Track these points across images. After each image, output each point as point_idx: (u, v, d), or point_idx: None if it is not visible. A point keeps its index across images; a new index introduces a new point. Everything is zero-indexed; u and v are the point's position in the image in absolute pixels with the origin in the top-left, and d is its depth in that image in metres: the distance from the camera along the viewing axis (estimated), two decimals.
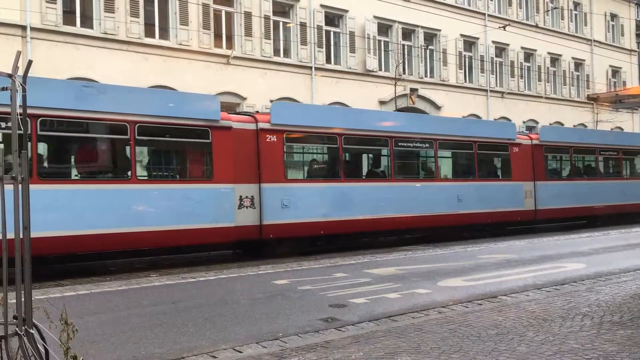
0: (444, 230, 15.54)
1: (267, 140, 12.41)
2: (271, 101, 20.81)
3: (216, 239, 11.63)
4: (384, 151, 14.95)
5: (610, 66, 35.89)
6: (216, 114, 11.69)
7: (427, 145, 15.50)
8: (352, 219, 13.40)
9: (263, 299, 7.62)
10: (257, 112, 14.59)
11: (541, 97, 31.71)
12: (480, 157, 16.66)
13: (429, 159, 16.13)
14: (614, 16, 36.50)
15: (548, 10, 32.10)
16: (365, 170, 15.46)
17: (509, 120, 29.81)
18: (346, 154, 14.28)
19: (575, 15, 34.27)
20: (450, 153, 16.53)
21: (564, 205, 18.39)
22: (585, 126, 33.75)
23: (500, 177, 17.49)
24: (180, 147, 11.96)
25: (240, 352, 5.14)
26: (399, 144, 14.80)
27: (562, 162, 20.10)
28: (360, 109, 19.25)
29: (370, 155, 15.54)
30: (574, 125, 33.54)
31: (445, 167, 16.40)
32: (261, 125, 12.41)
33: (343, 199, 13.41)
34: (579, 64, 34.19)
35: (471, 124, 19.22)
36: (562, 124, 32.93)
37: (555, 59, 32.66)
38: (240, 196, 11.86)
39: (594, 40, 34.79)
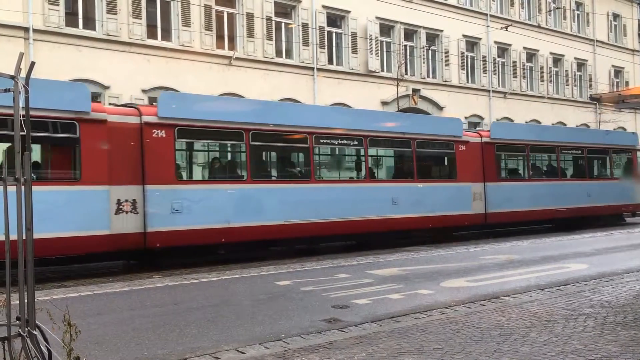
0: (378, 237, 14.36)
1: (154, 135, 10.89)
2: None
3: (86, 249, 10.09)
4: (303, 149, 13.29)
5: (613, 66, 35.82)
6: (85, 104, 10.23)
7: (356, 142, 14.00)
8: (260, 224, 11.96)
9: (265, 299, 7.62)
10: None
11: (544, 97, 31.67)
12: (419, 156, 15.20)
13: (358, 157, 14.58)
14: (616, 16, 36.44)
15: (550, 11, 32.06)
16: (280, 170, 14.06)
17: (512, 121, 29.84)
18: (254, 152, 12.56)
19: (578, 15, 34.22)
20: (383, 151, 15.23)
21: (519, 208, 17.01)
22: (588, 126, 33.68)
23: (443, 178, 16.06)
24: (41, 143, 10.46)
25: (243, 353, 5.14)
26: (321, 140, 13.38)
27: (518, 161, 18.75)
28: (273, 101, 17.58)
29: (286, 154, 14.01)
30: (577, 126, 33.54)
31: (378, 167, 15.26)
32: (146, 118, 10.90)
33: (249, 203, 12.00)
34: (581, 64, 34.14)
35: (409, 120, 16.97)
36: (564, 124, 32.88)
37: (557, 59, 32.62)
38: (119, 199, 10.40)
39: (597, 40, 34.74)
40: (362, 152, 14.17)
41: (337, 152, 14.65)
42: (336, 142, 14.01)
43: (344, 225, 13.32)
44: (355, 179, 14.63)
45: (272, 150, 13.80)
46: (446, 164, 16.36)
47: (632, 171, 21.15)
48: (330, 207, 13.10)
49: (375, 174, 14.94)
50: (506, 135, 17.58)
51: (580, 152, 19.57)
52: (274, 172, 13.91)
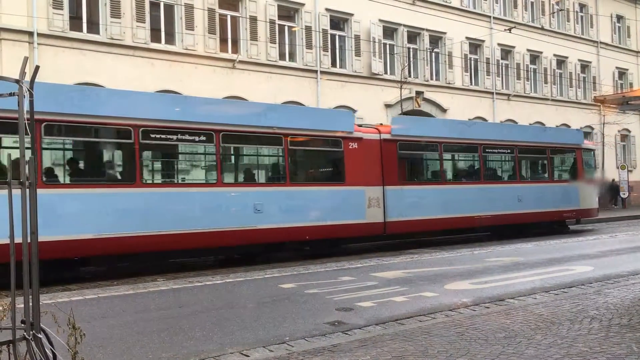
0: (241, 249, 12.38)
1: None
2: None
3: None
4: (125, 146, 10.92)
5: (617, 68, 35.75)
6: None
7: (204, 138, 11.55)
8: (57, 239, 9.41)
9: (270, 302, 7.62)
10: None
11: (547, 99, 31.62)
12: (294, 155, 12.96)
13: (207, 157, 12.26)
14: (620, 18, 36.38)
15: (554, 12, 32.03)
16: (93, 171, 11.36)
17: (515, 123, 29.79)
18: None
19: (581, 17, 34.17)
20: (245, 149, 12.99)
21: (430, 216, 14.66)
22: (592, 129, 33.60)
23: (327, 181, 13.65)
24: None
25: (247, 356, 5.14)
26: (152, 136, 10.94)
27: (428, 161, 16.09)
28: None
29: (103, 152, 11.63)
30: (581, 128, 33.46)
31: (238, 168, 12.78)
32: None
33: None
34: (585, 66, 34.08)
35: (281, 111, 14.15)
36: (568, 126, 32.82)
37: (561, 61, 32.58)
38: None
39: (600, 42, 34.68)
40: (213, 151, 11.73)
41: (177, 151, 11.79)
42: (174, 137, 11.25)
43: (184, 239, 10.98)
44: (204, 182, 12.11)
45: (81, 147, 11.20)
46: (331, 164, 14.02)
47: (576, 173, 18.83)
48: (161, 218, 10.77)
49: (234, 177, 12.45)
50: (412, 132, 15.02)
51: (509, 151, 17.09)
52: (83, 174, 11.06)
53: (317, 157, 13.99)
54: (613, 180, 30.90)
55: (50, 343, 3.60)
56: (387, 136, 14.32)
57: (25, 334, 3.40)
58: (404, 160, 15.17)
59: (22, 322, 3.44)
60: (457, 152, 16.55)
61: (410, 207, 14.46)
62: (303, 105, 21.16)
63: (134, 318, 6.95)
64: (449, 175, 16.34)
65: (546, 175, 18.32)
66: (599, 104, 27.62)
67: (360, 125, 14.92)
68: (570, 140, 19.08)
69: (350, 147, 13.50)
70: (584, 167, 18.96)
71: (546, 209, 17.44)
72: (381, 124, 15.70)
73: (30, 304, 3.44)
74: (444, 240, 16.16)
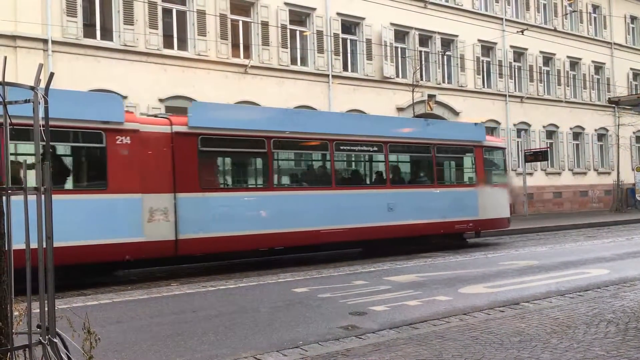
0: None
1: None
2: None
3: None
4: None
5: (631, 69, 35.43)
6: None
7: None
8: None
9: (283, 307, 7.62)
10: None
11: (561, 101, 31.41)
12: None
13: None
14: (634, 18, 36.07)
15: (567, 14, 31.84)
16: None
17: (529, 126, 29.62)
18: None
19: (595, 18, 33.93)
20: None
21: (247, 231, 11.49)
22: (607, 130, 33.28)
23: (81, 188, 10.23)
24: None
25: None
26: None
27: (251, 161, 12.99)
28: None
29: None
30: (595, 130, 33.20)
31: None
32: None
33: None
34: (599, 68, 33.81)
35: None
36: (583, 129, 32.58)
37: (574, 63, 32.35)
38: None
39: (614, 43, 34.40)
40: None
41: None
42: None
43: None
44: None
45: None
46: (89, 165, 10.70)
47: (475, 175, 15.60)
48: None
49: None
50: (223, 123, 11.55)
51: (375, 149, 13.84)
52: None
53: (67, 155, 10.45)
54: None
55: (66, 347, 3.62)
56: (183, 128, 10.92)
57: (41, 338, 3.43)
58: (212, 160, 12.14)
59: (38, 326, 3.47)
60: (294, 150, 13.21)
61: (220, 220, 11.27)
62: (315, 109, 21.17)
63: (148, 322, 6.98)
64: (283, 179, 13.24)
65: (430, 178, 14.74)
66: (613, 105, 27.36)
67: (145, 115, 12.50)
68: (466, 136, 15.63)
69: (118, 142, 10.17)
70: (486, 169, 15.75)
71: (429, 219, 14.18)
72: (176, 114, 12.36)
73: (46, 308, 3.47)
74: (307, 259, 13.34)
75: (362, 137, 13.50)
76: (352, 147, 13.65)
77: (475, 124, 16.80)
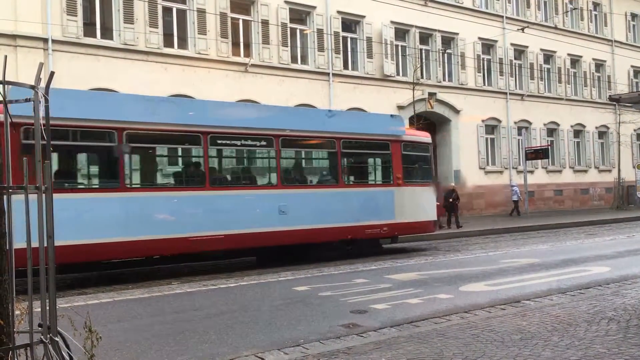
0: None
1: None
2: None
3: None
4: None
5: (632, 66, 35.37)
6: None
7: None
8: None
9: (284, 305, 7.62)
10: None
11: (562, 99, 31.37)
12: None
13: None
14: (634, 16, 36.01)
15: (567, 11, 31.79)
16: None
17: (530, 124, 29.61)
18: None
19: (595, 15, 33.88)
20: None
21: (81, 239, 9.49)
22: (608, 128, 33.25)
23: None
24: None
25: (262, 358, 5.14)
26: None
27: (102, 157, 10.90)
28: None
29: None
30: (596, 128, 33.16)
31: None
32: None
33: None
34: (599, 65, 33.77)
35: None
36: (584, 126, 32.56)
37: (575, 60, 32.31)
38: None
39: (615, 41, 34.35)
40: None
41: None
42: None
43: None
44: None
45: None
46: None
47: (391, 174, 13.90)
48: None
49: None
50: (59, 112, 8.14)
51: (264, 143, 12.12)
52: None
53: None
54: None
55: (67, 346, 3.62)
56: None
57: (42, 337, 3.43)
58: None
59: (40, 325, 3.47)
60: (157, 144, 11.39)
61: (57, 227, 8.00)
62: (315, 107, 21.15)
63: (150, 321, 6.98)
64: (141, 178, 11.58)
65: (334, 177, 13.16)
66: (614, 103, 27.32)
67: None
68: (380, 129, 13.81)
69: None
70: (406, 167, 14.04)
71: (333, 224, 12.58)
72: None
73: (47, 307, 3.47)
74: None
75: (247, 130, 11.70)
76: (232, 141, 11.76)
77: (392, 115, 15.40)
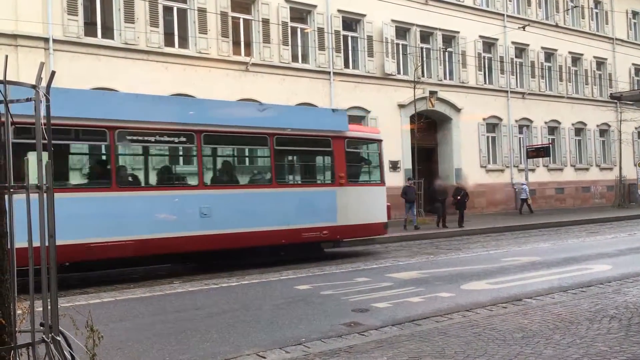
0: None
1: None
2: None
3: None
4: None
5: (633, 64, 35.31)
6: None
7: None
8: None
9: (285, 304, 7.62)
10: None
11: (563, 97, 31.34)
12: None
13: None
14: (635, 14, 35.94)
15: (568, 9, 31.75)
16: None
17: (531, 122, 29.56)
18: None
19: (596, 13, 33.83)
20: None
21: None
22: (609, 126, 33.19)
23: None
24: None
25: (264, 357, 5.15)
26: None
27: None
28: None
29: None
30: (597, 126, 33.11)
31: None
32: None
33: None
34: (600, 63, 33.72)
35: None
36: (585, 124, 32.51)
37: (576, 59, 32.27)
38: None
39: (616, 39, 34.29)
40: None
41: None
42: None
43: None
44: None
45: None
46: None
47: (333, 173, 12.90)
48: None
49: None
50: None
51: (181, 139, 11.22)
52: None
53: None
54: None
55: (69, 345, 3.63)
56: None
57: (44, 336, 3.43)
58: None
59: (41, 324, 3.48)
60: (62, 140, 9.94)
61: None
62: (316, 106, 21.13)
63: (151, 320, 6.99)
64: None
65: (266, 176, 12.25)
66: (615, 101, 27.29)
67: None
68: (320, 124, 12.88)
69: None
70: (350, 165, 13.19)
71: (263, 227, 11.62)
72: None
73: (49, 307, 3.48)
74: None
75: (163, 125, 10.63)
76: (146, 138, 10.77)
77: (334, 110, 14.41)
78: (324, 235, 12.58)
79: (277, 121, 12.18)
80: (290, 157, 13.29)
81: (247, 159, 12.84)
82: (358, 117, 23.22)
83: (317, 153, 13.29)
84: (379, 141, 14.21)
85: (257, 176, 12.47)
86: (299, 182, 13.18)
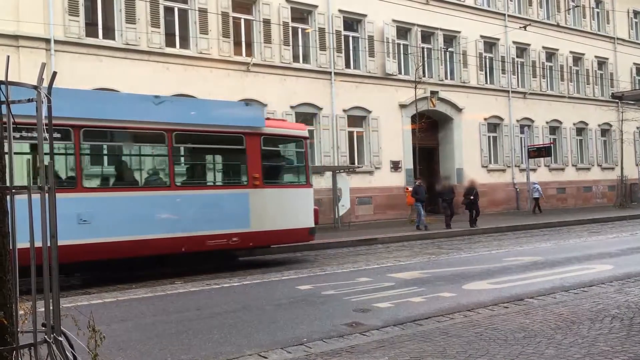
0: None
1: None
2: (291, 107, 20.96)
3: None
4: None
5: (635, 64, 35.27)
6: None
7: None
8: None
9: (287, 304, 7.63)
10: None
11: (564, 96, 31.31)
12: None
13: None
14: (637, 13, 35.91)
15: (569, 9, 31.72)
16: None
17: (532, 122, 29.55)
18: None
19: (597, 13, 33.80)
20: None
21: None
22: (611, 126, 33.15)
23: None
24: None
25: (266, 357, 5.15)
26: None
27: None
28: None
29: None
30: (599, 125, 33.08)
31: None
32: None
33: None
34: (602, 63, 33.70)
35: None
36: (586, 124, 32.49)
37: (577, 58, 32.24)
38: None
39: (617, 38, 34.26)
40: None
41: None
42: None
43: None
44: None
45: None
46: None
47: (247, 173, 11.66)
48: None
49: None
50: None
51: (59, 135, 9.40)
52: None
53: None
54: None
55: (71, 346, 3.63)
56: None
57: (46, 337, 3.44)
58: None
59: (43, 325, 3.48)
60: None
61: None
62: (317, 106, 21.15)
63: (153, 321, 6.99)
64: None
65: (163, 178, 11.01)
66: (617, 100, 27.25)
67: None
68: (230, 120, 11.63)
69: None
70: (267, 165, 11.97)
71: (158, 234, 10.42)
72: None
73: (51, 307, 3.48)
74: None
75: (29, 119, 8.87)
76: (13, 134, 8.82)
77: (247, 103, 13.25)
78: (233, 242, 11.27)
79: (178, 116, 10.86)
80: (192, 156, 12.04)
81: (140, 159, 11.16)
82: (359, 117, 23.24)
83: (227, 151, 12.03)
84: (304, 138, 12.92)
85: (152, 177, 11.01)
86: (204, 184, 12.06)
